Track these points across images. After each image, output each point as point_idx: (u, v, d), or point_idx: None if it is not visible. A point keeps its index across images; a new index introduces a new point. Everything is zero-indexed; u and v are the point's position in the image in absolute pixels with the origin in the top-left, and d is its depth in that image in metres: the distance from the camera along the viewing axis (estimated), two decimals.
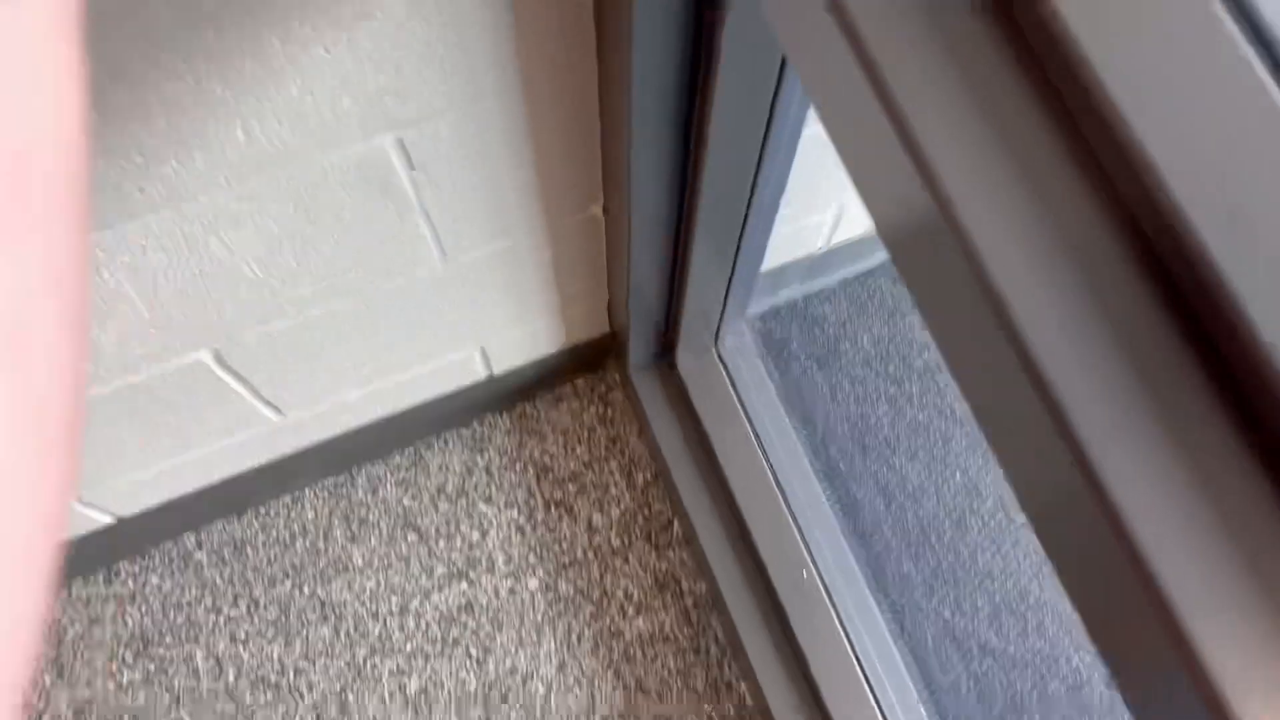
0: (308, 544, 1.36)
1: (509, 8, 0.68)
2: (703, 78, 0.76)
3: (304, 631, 1.32)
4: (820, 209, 1.28)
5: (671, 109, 0.80)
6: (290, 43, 0.61)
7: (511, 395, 1.40)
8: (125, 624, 1.32)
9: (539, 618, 1.32)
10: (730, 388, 1.31)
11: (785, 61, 0.77)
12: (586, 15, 0.73)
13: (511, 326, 1.19)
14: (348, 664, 1.31)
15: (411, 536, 1.37)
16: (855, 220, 1.35)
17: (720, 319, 1.25)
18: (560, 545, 1.36)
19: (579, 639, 1.31)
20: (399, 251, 0.91)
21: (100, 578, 1.34)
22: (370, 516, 1.38)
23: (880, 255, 1.51)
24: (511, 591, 1.33)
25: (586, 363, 1.41)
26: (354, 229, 0.84)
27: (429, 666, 1.30)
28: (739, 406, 1.30)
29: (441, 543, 1.36)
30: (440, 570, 1.35)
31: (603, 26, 0.73)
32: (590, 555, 1.35)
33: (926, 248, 0.38)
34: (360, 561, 1.35)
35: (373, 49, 0.65)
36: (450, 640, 1.31)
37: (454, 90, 0.73)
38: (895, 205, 0.39)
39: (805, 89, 0.46)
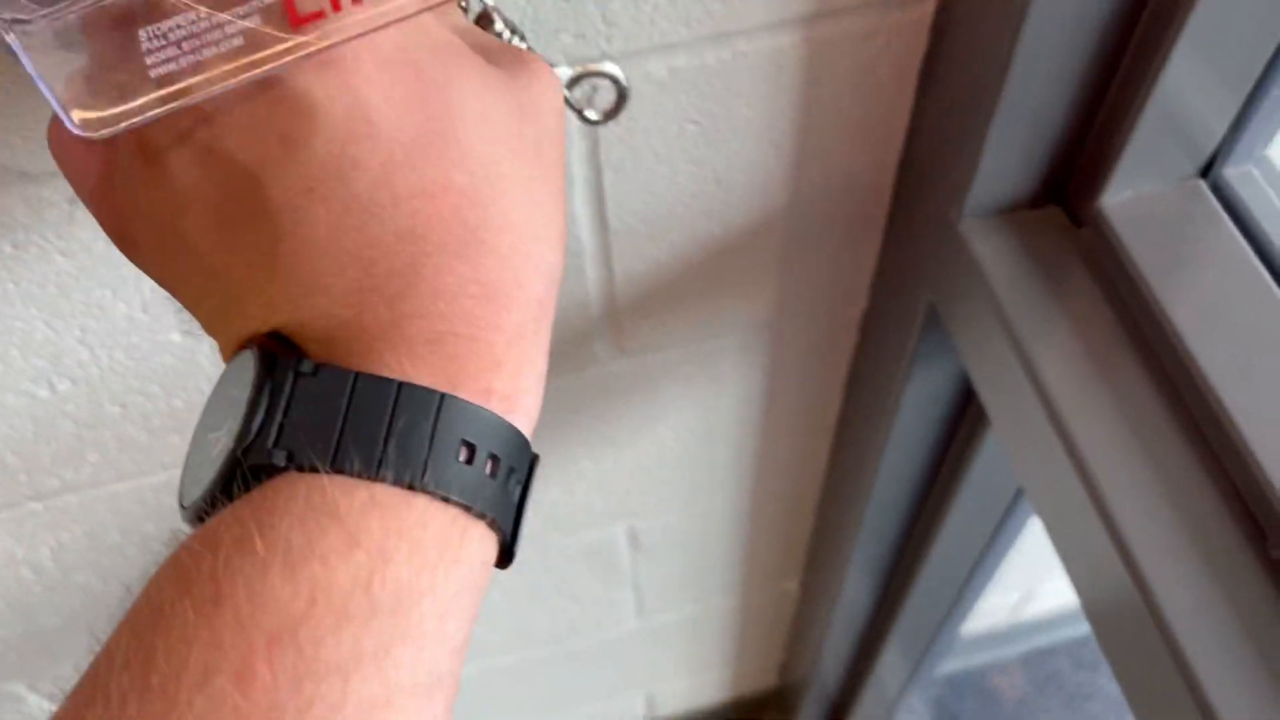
0: None
1: (757, 425, 0.71)
2: (938, 495, 0.77)
3: None
4: (1007, 591, 1.25)
5: (899, 515, 0.80)
6: (568, 459, 0.66)
7: None
8: None
9: None
10: None
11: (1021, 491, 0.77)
12: (827, 430, 0.75)
13: (683, 676, 1.17)
14: None
15: None
16: (1041, 601, 1.31)
17: (898, 696, 1.21)
18: None
19: None
20: (598, 613, 0.92)
21: None
22: None
23: (1063, 634, 1.45)
24: None
25: (749, 714, 1.37)
26: (564, 595, 0.86)
27: None
28: None
29: None
30: None
31: (843, 442, 0.76)
32: None
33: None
34: None
35: (635, 457, 0.69)
36: None
37: (693, 489, 0.76)
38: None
39: (1046, 527, 0.49)
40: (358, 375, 0.23)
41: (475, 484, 0.24)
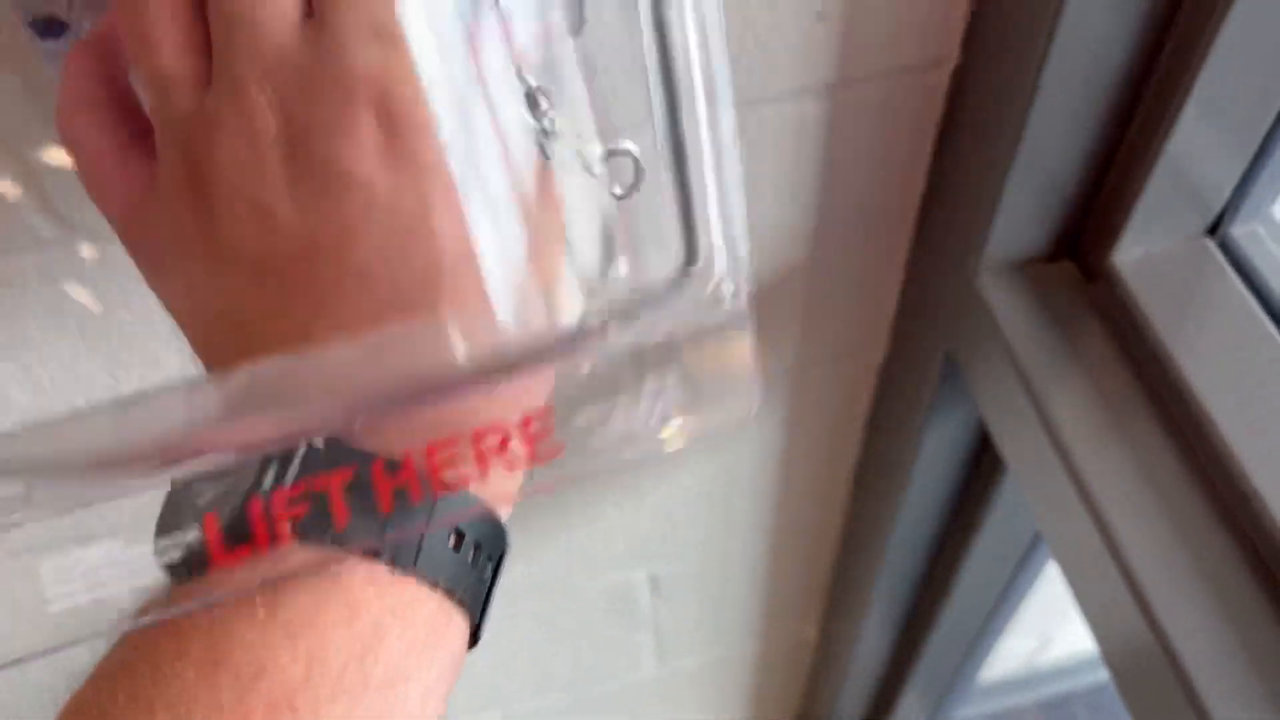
0: None
1: (776, 472, 0.73)
2: (956, 541, 0.78)
3: None
4: (1023, 636, 1.25)
5: (917, 561, 0.81)
6: (592, 503, 0.67)
7: None
8: None
9: None
10: None
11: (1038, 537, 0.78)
12: (845, 476, 0.77)
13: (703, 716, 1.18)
14: None
15: None
16: (1059, 647, 1.31)
17: None
18: None
19: None
20: (618, 659, 0.93)
21: None
22: None
23: (1080, 681, 1.44)
24: None
25: None
26: (584, 641, 0.87)
27: None
28: None
29: None
30: None
31: (862, 488, 0.77)
32: None
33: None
34: None
35: (657, 503, 0.71)
36: None
37: (713, 534, 0.77)
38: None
39: (1063, 572, 0.50)
40: (363, 454, 0.24)
41: (460, 571, 0.25)
